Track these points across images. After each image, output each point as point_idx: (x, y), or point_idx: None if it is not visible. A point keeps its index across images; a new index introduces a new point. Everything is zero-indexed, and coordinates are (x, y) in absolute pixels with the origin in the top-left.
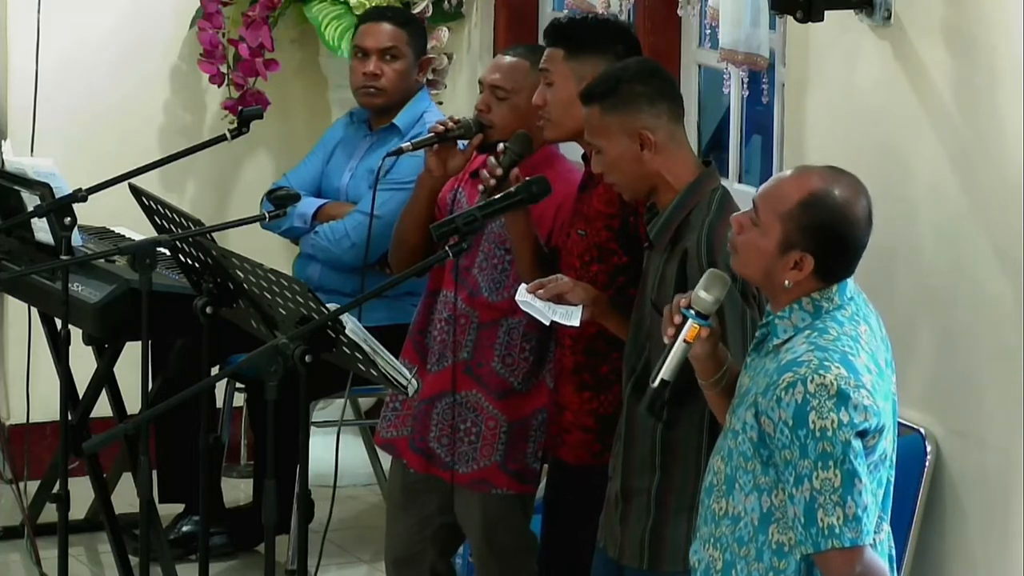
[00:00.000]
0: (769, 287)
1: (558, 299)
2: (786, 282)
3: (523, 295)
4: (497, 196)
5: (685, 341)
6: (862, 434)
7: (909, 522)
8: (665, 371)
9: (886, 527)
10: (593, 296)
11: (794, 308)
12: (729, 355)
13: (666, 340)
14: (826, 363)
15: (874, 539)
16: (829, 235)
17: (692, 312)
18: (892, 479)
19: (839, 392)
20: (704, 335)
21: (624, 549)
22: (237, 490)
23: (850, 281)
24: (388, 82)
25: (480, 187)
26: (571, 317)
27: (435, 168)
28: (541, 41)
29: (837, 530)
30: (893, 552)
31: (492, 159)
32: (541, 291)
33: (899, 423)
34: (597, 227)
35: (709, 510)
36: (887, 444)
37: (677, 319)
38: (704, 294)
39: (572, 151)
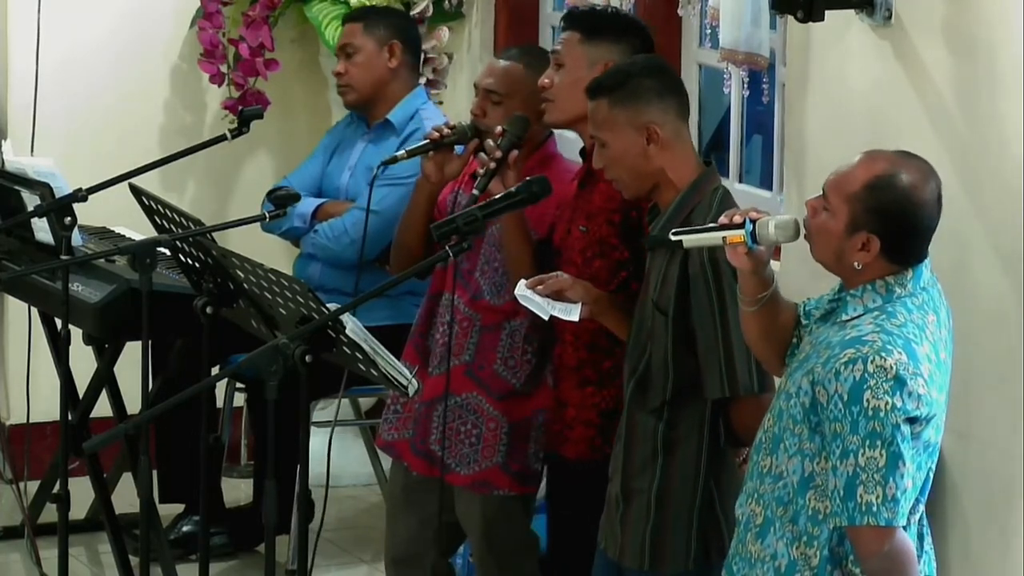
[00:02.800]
0: (842, 270)
1: (557, 296)
2: (855, 264)
3: (522, 290)
4: (498, 196)
5: (723, 239)
6: (912, 420)
7: None
8: (687, 238)
9: (922, 508)
10: (594, 295)
11: (867, 289)
12: (776, 282)
13: (719, 220)
14: (889, 346)
15: (908, 519)
16: (894, 216)
17: (751, 228)
18: (934, 467)
19: (897, 376)
20: (741, 251)
21: (624, 550)
22: (237, 490)
23: (926, 270)
24: (351, 78)
25: (480, 169)
26: (570, 313)
27: (432, 174)
28: (558, 28)
29: (875, 508)
30: (926, 530)
31: (490, 141)
32: (540, 287)
33: None
34: (599, 222)
35: (757, 466)
36: (932, 433)
37: (738, 219)
38: (773, 228)
39: (570, 151)
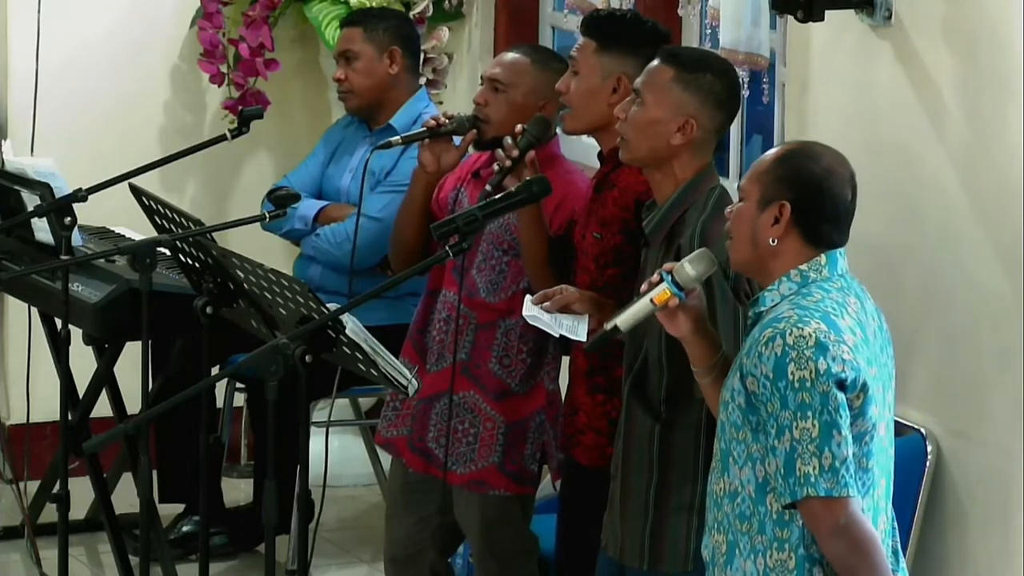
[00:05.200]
0: (758, 260)
1: (564, 310)
2: (770, 240)
3: (529, 309)
4: (497, 196)
5: (651, 301)
6: (842, 386)
7: (909, 522)
8: (621, 319)
9: (885, 522)
10: (600, 306)
11: (782, 280)
12: (724, 344)
13: (639, 291)
14: (805, 318)
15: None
16: (804, 182)
17: (670, 278)
18: (891, 475)
19: (817, 343)
20: (672, 304)
21: (624, 549)
22: (237, 490)
23: (841, 260)
24: (352, 84)
25: (495, 166)
26: (577, 332)
27: (429, 164)
28: (576, 31)
29: (812, 479)
30: (898, 546)
31: (509, 139)
32: (548, 303)
33: (899, 423)
34: (613, 230)
35: (712, 496)
36: (876, 414)
37: (655, 279)
38: (688, 266)
39: (579, 154)
